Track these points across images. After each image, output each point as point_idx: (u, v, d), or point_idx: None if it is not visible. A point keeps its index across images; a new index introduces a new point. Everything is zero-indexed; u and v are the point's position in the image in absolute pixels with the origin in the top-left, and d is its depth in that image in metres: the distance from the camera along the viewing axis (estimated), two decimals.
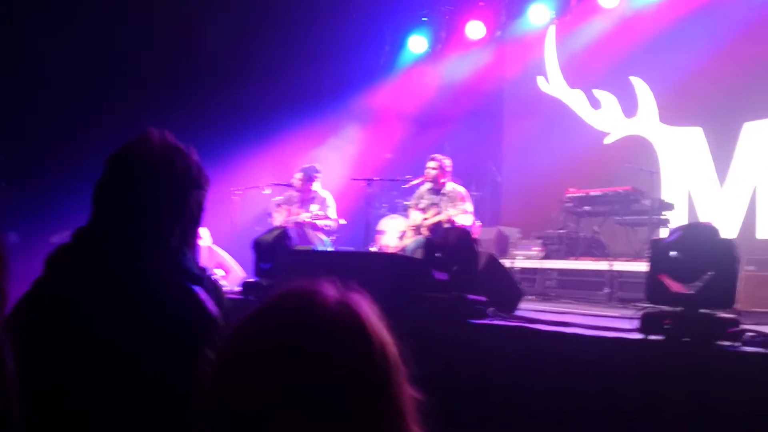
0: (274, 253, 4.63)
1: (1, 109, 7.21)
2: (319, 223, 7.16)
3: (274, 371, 0.78)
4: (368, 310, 0.86)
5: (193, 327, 1.38)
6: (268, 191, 7.64)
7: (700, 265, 2.76)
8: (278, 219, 7.33)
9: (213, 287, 1.50)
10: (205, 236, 6.41)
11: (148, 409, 1.31)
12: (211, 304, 1.44)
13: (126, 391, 1.30)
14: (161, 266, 1.44)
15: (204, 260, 6.15)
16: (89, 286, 1.39)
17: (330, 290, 0.87)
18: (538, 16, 9.48)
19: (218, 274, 6.17)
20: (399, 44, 10.38)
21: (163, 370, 1.32)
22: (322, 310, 0.83)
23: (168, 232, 1.49)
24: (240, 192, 7.55)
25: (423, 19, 10.14)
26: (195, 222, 1.56)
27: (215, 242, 6.84)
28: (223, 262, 6.51)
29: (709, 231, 2.86)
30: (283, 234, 4.78)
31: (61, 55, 7.52)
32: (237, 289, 5.13)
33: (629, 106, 8.89)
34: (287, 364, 0.79)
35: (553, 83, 9.77)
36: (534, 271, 7.33)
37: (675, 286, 2.83)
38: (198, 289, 1.45)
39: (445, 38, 10.25)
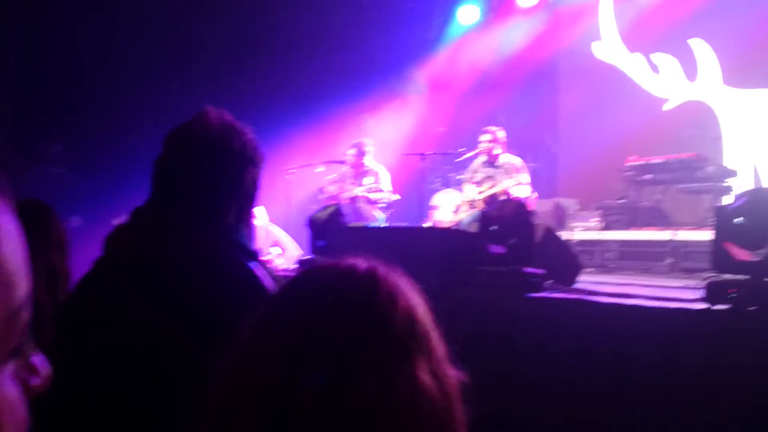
0: (329, 230, 4.67)
1: (57, 97, 7.43)
2: (373, 196, 7.13)
3: (297, 344, 0.82)
4: (397, 284, 0.87)
5: (251, 302, 1.39)
6: (321, 169, 7.67)
7: (766, 232, 2.66)
8: (332, 196, 7.36)
9: (265, 265, 1.51)
10: (261, 215, 6.50)
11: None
12: (267, 280, 1.45)
13: (185, 368, 1.32)
14: (218, 243, 1.46)
15: (260, 239, 6.26)
16: (147, 263, 1.42)
17: (359, 264, 0.89)
18: None
19: (274, 252, 6.25)
20: (449, 15, 10.23)
21: (223, 346, 1.34)
22: (348, 278, 0.87)
23: (225, 210, 1.51)
24: (294, 171, 7.62)
25: None
26: (251, 199, 1.58)
27: (271, 221, 6.93)
28: (279, 241, 6.60)
29: None
30: (336, 211, 4.81)
31: (115, 37, 7.68)
32: (293, 266, 5.20)
33: (690, 70, 8.58)
34: (311, 334, 0.82)
35: (610, 48, 9.49)
36: (593, 242, 7.19)
37: (741, 254, 2.73)
38: (254, 264, 1.47)
39: (497, 7, 10.06)
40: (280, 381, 0.80)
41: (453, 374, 0.87)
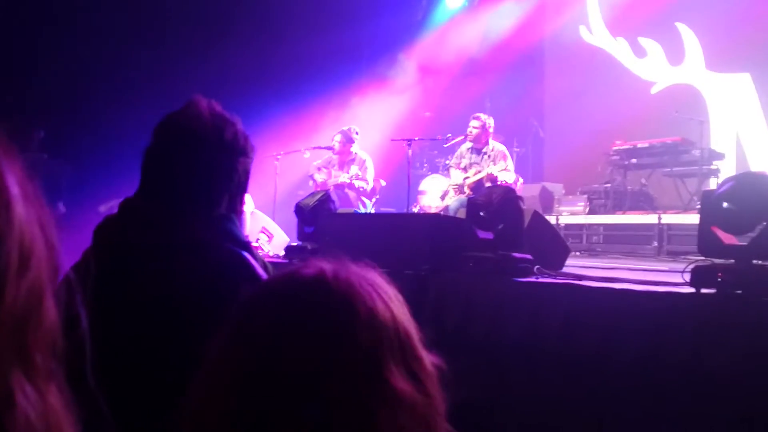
0: (317, 216, 4.65)
1: (41, 83, 7.33)
2: (356, 184, 7.17)
3: (262, 352, 0.78)
4: (350, 283, 0.81)
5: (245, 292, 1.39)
6: (308, 155, 7.65)
7: (753, 216, 2.67)
8: (319, 182, 7.35)
9: (256, 254, 1.51)
10: (247, 202, 6.46)
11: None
12: (260, 269, 1.45)
13: (177, 359, 1.31)
14: (211, 233, 1.45)
15: (247, 226, 6.22)
16: (139, 254, 1.41)
17: (318, 266, 0.83)
18: None
19: (262, 239, 6.23)
20: None
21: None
22: (296, 295, 0.81)
23: (217, 200, 1.51)
24: (280, 157, 7.58)
25: None
26: (242, 189, 1.58)
27: (258, 207, 6.90)
28: (267, 227, 6.57)
29: (763, 180, 2.76)
30: (325, 197, 4.79)
31: (97, 24, 7.59)
32: (281, 253, 5.18)
33: (675, 54, 8.60)
34: (274, 343, 0.78)
35: (596, 32, 9.49)
36: (580, 226, 7.24)
37: (727, 238, 2.74)
38: (246, 254, 1.47)
39: None
40: (247, 416, 0.75)
41: (430, 364, 0.82)
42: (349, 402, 0.75)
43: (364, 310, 0.79)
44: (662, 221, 6.43)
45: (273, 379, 0.75)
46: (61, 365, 0.56)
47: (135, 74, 7.76)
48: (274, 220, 6.90)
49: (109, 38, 7.66)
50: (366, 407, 0.75)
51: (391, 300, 0.83)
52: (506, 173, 6.62)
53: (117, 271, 1.40)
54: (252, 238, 6.08)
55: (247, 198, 6.03)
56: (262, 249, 5.75)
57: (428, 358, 0.83)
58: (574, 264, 4.39)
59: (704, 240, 2.78)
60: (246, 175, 1.57)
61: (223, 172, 1.51)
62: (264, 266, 1.51)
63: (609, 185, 7.47)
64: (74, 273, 1.44)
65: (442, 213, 6.73)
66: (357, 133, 7.44)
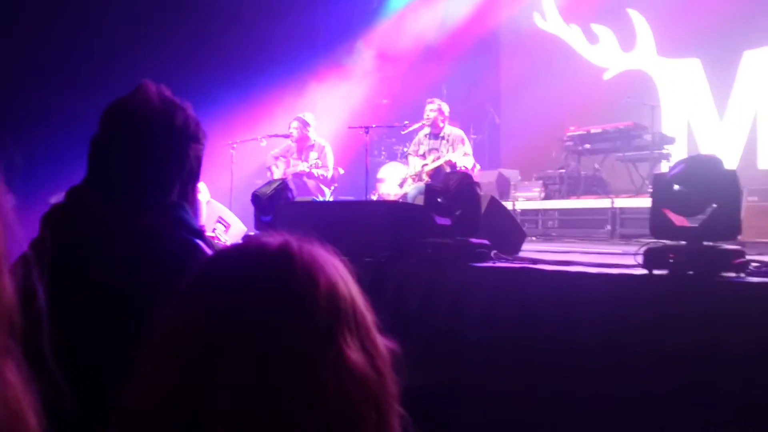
0: (274, 205, 4.61)
1: None
2: (316, 172, 7.12)
3: (214, 325, 0.76)
4: (314, 257, 0.82)
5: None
6: (264, 143, 7.56)
7: (703, 198, 2.73)
8: (277, 171, 7.28)
9: (210, 242, 1.49)
10: (203, 191, 6.37)
11: None
12: None
13: (131, 350, 1.29)
14: (163, 221, 1.42)
15: (204, 215, 6.14)
16: (88, 244, 1.37)
17: (271, 242, 0.83)
18: None
19: (219, 228, 6.15)
20: None
21: None
22: (259, 259, 0.81)
23: (168, 187, 1.47)
24: (236, 145, 7.49)
25: None
26: (194, 177, 1.54)
27: (214, 197, 6.81)
28: (223, 217, 6.49)
29: (712, 162, 2.82)
30: (282, 186, 4.75)
31: (45, 12, 7.37)
32: (239, 242, 5.12)
33: (627, 40, 8.74)
34: (227, 315, 0.77)
35: (550, 19, 9.58)
36: (535, 212, 7.33)
37: (678, 220, 2.80)
38: (200, 242, 1.44)
39: None
40: (195, 381, 0.74)
41: (383, 344, 0.83)
42: (302, 367, 0.75)
43: (325, 283, 0.79)
44: (615, 205, 6.55)
45: (225, 344, 0.75)
46: (18, 342, 0.56)
47: (85, 62, 7.56)
48: (230, 209, 6.81)
49: (58, 25, 7.44)
50: (317, 373, 0.75)
51: (350, 282, 0.84)
52: (465, 158, 6.65)
53: (66, 261, 1.36)
54: (208, 228, 6.00)
55: (203, 187, 5.92)
56: (219, 239, 5.68)
57: (382, 341, 0.84)
58: (530, 249, 4.45)
59: (656, 222, 2.84)
60: (198, 161, 1.53)
61: (174, 158, 1.47)
62: None
63: (563, 171, 7.58)
64: (21, 264, 1.40)
65: (400, 200, 6.74)
66: (312, 119, 7.38)
